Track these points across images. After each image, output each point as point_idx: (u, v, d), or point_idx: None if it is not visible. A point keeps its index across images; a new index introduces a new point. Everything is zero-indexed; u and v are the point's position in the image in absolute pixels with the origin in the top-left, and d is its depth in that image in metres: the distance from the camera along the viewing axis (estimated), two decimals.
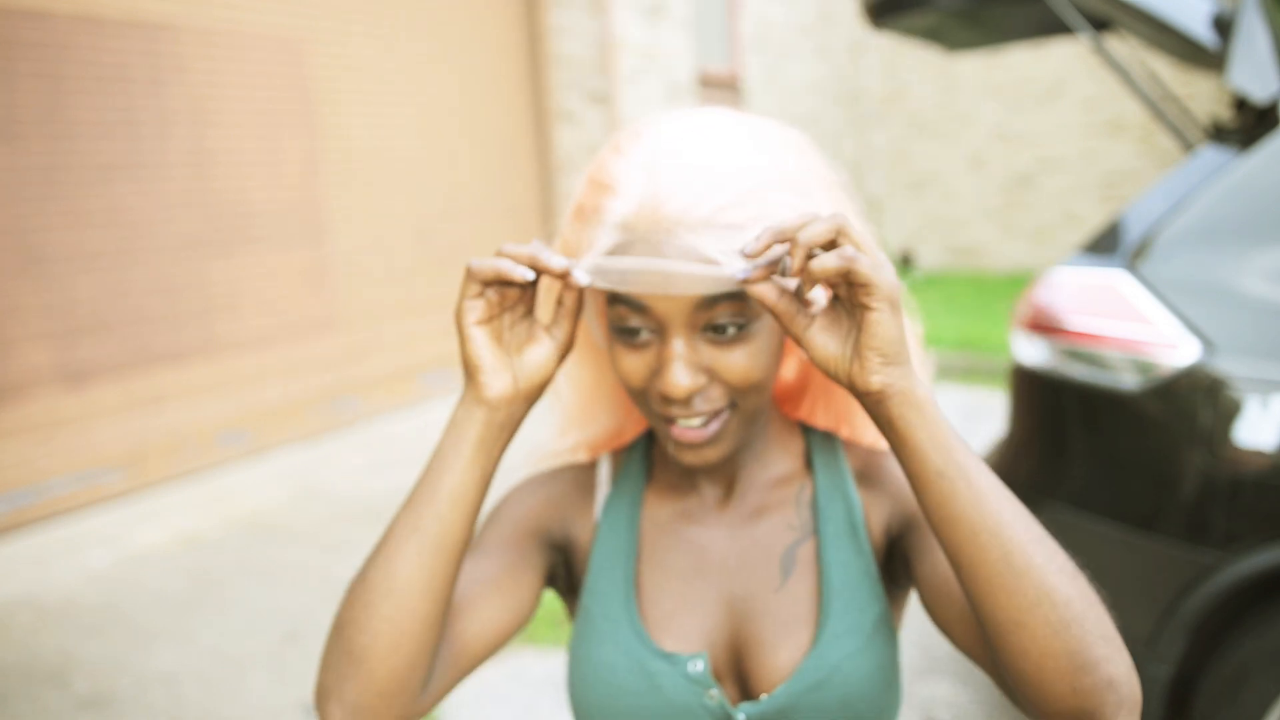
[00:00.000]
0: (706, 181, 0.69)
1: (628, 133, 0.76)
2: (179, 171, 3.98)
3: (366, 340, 4.90)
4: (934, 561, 0.77)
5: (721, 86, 7.51)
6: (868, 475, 0.86)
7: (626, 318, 0.72)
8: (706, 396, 0.73)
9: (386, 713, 0.69)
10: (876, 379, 0.64)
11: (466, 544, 0.72)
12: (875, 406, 0.65)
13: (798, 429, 0.89)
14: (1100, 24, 2.69)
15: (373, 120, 4.88)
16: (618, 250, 0.70)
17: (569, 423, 0.92)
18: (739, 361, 0.72)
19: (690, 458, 0.76)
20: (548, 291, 0.77)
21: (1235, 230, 1.83)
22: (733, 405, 0.74)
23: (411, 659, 0.69)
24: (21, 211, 3.47)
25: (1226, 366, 1.72)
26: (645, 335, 0.73)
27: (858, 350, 0.64)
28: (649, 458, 0.90)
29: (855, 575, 0.80)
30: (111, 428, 3.78)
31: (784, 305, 0.67)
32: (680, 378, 0.70)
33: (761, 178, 0.70)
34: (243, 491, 4.02)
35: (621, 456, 0.91)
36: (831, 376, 0.67)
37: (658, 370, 0.72)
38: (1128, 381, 1.83)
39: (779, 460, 0.86)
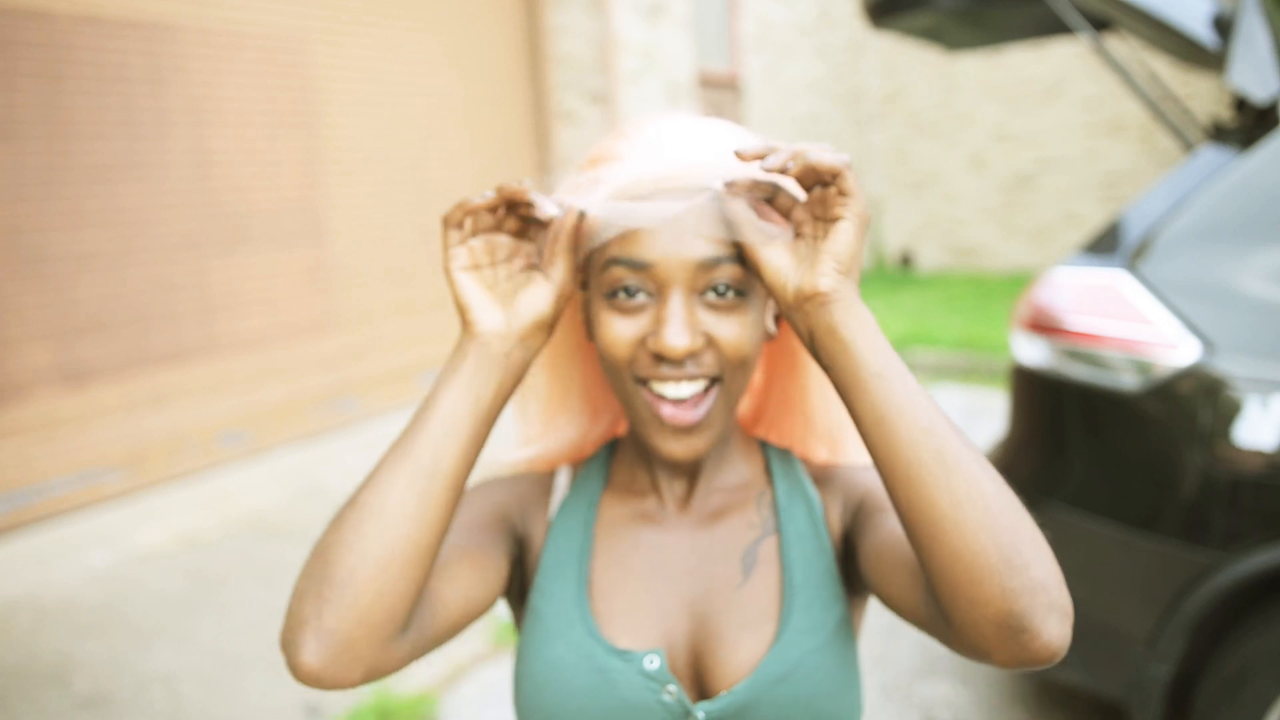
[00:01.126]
0: (707, 149, 0.72)
1: (627, 123, 0.79)
2: (178, 171, 3.98)
3: (366, 340, 4.90)
4: (878, 527, 0.78)
5: (721, 86, 7.51)
6: (822, 480, 0.88)
7: (624, 278, 0.73)
8: (699, 361, 0.74)
9: (364, 646, 0.65)
10: (826, 281, 0.67)
11: (459, 479, 0.70)
12: (818, 311, 0.68)
13: (756, 445, 0.91)
14: (1100, 24, 2.69)
15: (373, 120, 4.88)
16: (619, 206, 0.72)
17: (531, 434, 0.92)
18: (733, 330, 0.73)
19: (676, 447, 0.76)
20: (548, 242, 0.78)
21: (1235, 230, 1.83)
22: (719, 380, 0.75)
23: (396, 590, 0.66)
24: (21, 211, 3.47)
25: (1226, 366, 1.72)
26: (642, 298, 0.73)
27: (815, 258, 0.68)
28: (609, 464, 0.90)
29: (817, 573, 0.80)
30: (111, 428, 3.78)
31: (754, 218, 0.71)
32: (679, 334, 0.71)
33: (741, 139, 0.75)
34: (243, 491, 4.02)
35: (581, 466, 0.91)
36: (776, 290, 0.70)
37: (653, 330, 0.73)
38: (1128, 381, 1.83)
39: (740, 467, 0.87)
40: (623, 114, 5.95)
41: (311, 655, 0.63)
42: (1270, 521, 1.68)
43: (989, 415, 4.50)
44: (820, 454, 0.92)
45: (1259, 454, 1.68)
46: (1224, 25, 2.16)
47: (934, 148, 9.69)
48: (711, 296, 0.73)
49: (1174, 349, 1.78)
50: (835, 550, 0.83)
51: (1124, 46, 3.13)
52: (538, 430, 0.91)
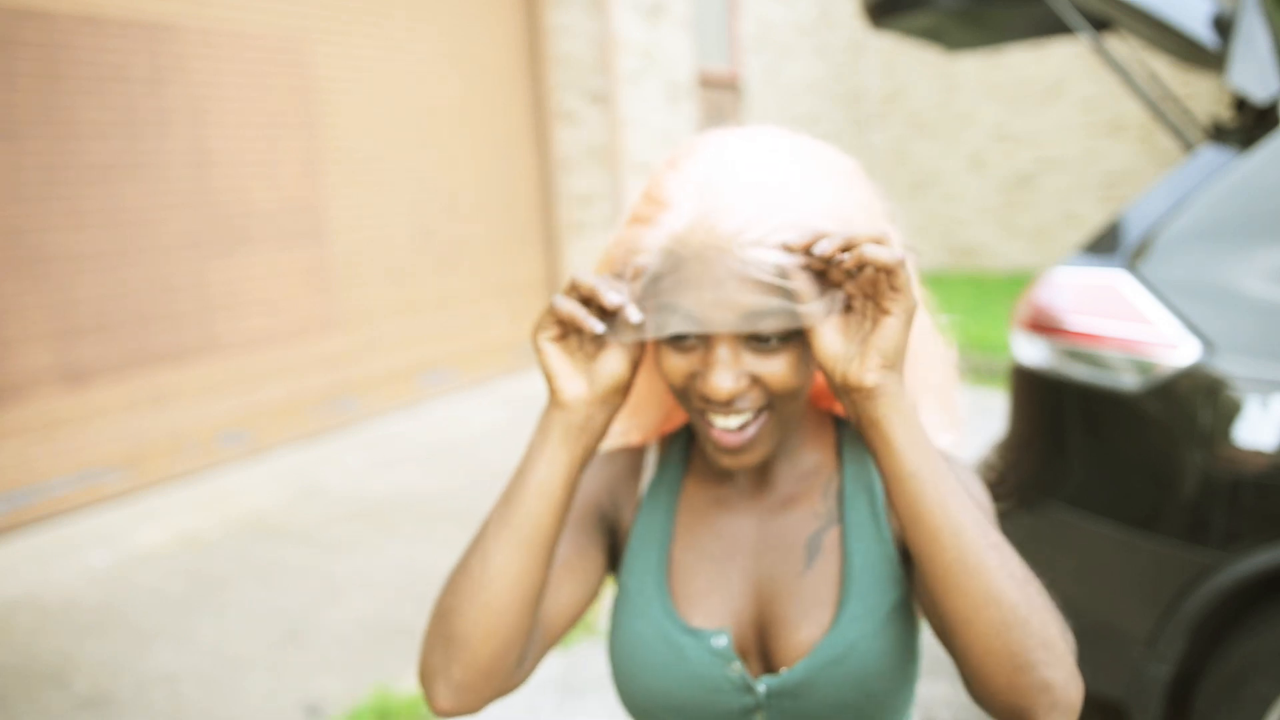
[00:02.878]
0: (761, 202, 0.72)
1: (684, 148, 0.80)
2: (179, 171, 3.98)
3: (366, 340, 4.90)
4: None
5: (721, 86, 7.51)
6: None
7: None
8: (745, 399, 0.77)
9: (486, 688, 0.77)
10: (873, 376, 0.71)
11: (555, 536, 0.78)
12: (864, 402, 0.72)
13: (829, 420, 0.94)
14: (1100, 24, 2.69)
15: (373, 120, 4.88)
16: (669, 268, 0.74)
17: (624, 412, 0.96)
18: (779, 369, 0.76)
19: (727, 461, 0.80)
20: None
21: (1235, 230, 1.83)
22: (770, 407, 0.78)
23: (508, 641, 0.76)
24: (21, 211, 3.47)
25: (1226, 366, 1.72)
26: (691, 340, 0.77)
27: (863, 348, 0.71)
28: (689, 447, 0.95)
29: (875, 561, 0.84)
30: (111, 428, 3.78)
31: (810, 300, 0.73)
32: (723, 383, 0.74)
33: (816, 204, 0.73)
34: (243, 491, 4.02)
35: (666, 444, 0.96)
36: (827, 371, 0.73)
37: (701, 373, 0.76)
38: (1128, 381, 1.83)
39: (810, 453, 0.91)
40: (623, 114, 5.95)
41: (445, 700, 0.77)
42: (1270, 521, 1.68)
43: (989, 415, 4.50)
44: None
45: (1259, 454, 1.68)
46: (1224, 25, 2.16)
47: (934, 148, 9.69)
48: (755, 343, 0.75)
49: (1174, 349, 1.78)
50: (895, 537, 0.86)
51: (1124, 46, 3.13)
52: (629, 410, 0.95)
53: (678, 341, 0.77)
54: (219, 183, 4.14)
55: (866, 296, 0.72)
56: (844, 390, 0.73)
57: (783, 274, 0.71)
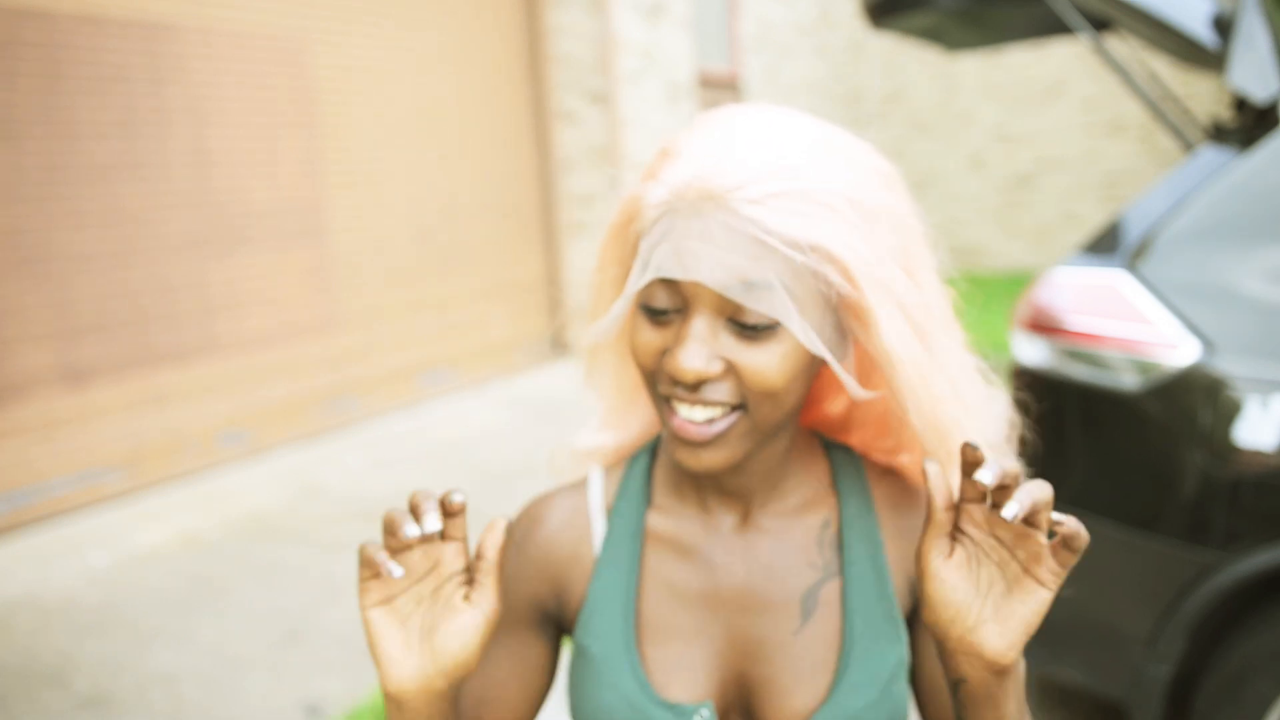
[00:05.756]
0: (766, 163, 0.64)
1: (699, 116, 0.73)
2: (179, 171, 3.98)
3: (366, 340, 4.90)
4: (929, 656, 0.78)
5: (721, 86, 7.51)
6: (896, 513, 0.81)
7: (654, 294, 0.68)
8: (716, 387, 0.67)
9: None
10: (1013, 655, 0.61)
11: None
12: (989, 675, 0.63)
13: (818, 445, 0.82)
14: (1100, 24, 2.69)
15: (373, 120, 4.88)
16: (665, 212, 0.66)
17: (609, 417, 0.86)
18: (760, 360, 0.66)
19: (689, 460, 0.70)
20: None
21: (1235, 230, 1.83)
22: (742, 407, 0.68)
23: None
24: (21, 211, 3.47)
25: (1226, 366, 1.72)
26: (670, 314, 0.68)
27: (1003, 614, 0.61)
28: (649, 479, 0.82)
29: (878, 620, 0.76)
30: (111, 428, 3.78)
31: (943, 516, 0.63)
32: (691, 358, 0.65)
33: (829, 181, 0.65)
34: (243, 491, 4.02)
35: (620, 475, 0.83)
36: (941, 619, 0.63)
37: (672, 350, 0.67)
38: (1128, 381, 1.83)
39: (800, 487, 0.79)
40: (623, 114, 5.95)
41: None
42: (1270, 521, 1.68)
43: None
44: (905, 459, 0.82)
45: (1259, 454, 1.68)
46: (1224, 25, 2.16)
47: (934, 148, 9.69)
48: (738, 327, 0.66)
49: (1174, 349, 1.78)
50: (899, 595, 0.78)
51: (1124, 46, 3.13)
52: (615, 414, 0.86)
53: (654, 314, 0.68)
54: (219, 183, 4.14)
55: (1007, 547, 0.61)
56: (959, 650, 0.63)
57: (787, 243, 0.63)
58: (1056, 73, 8.83)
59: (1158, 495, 1.81)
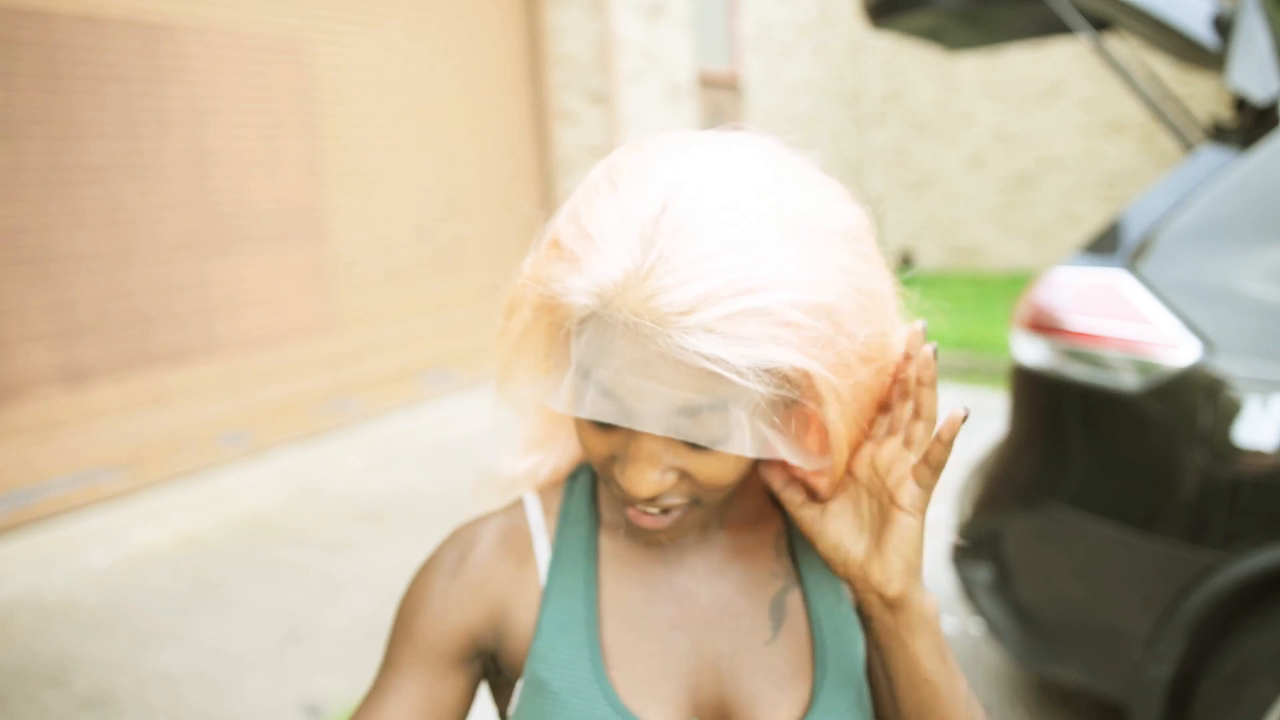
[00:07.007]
0: (717, 276, 0.53)
1: (628, 161, 0.60)
2: (179, 171, 3.98)
3: (366, 340, 4.90)
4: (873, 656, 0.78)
5: (721, 86, 7.51)
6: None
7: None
8: (670, 494, 0.64)
9: None
10: (896, 585, 0.64)
11: None
12: (884, 610, 0.65)
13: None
14: (1100, 24, 2.69)
15: (373, 120, 4.88)
16: (593, 328, 0.58)
17: (533, 440, 0.81)
18: (713, 467, 0.62)
19: (643, 537, 0.69)
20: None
21: (1235, 230, 1.83)
22: (697, 502, 0.66)
23: None
24: (21, 211, 3.47)
25: (1226, 366, 1.72)
26: (615, 426, 0.63)
27: (880, 549, 0.64)
28: (594, 497, 0.78)
29: (840, 621, 0.75)
30: (111, 428, 3.78)
31: (790, 493, 0.66)
32: (643, 486, 0.61)
33: (785, 281, 0.54)
34: (243, 491, 4.02)
35: (558, 496, 0.79)
36: (837, 567, 0.66)
37: (621, 461, 0.63)
38: (1128, 381, 1.83)
39: (751, 496, 0.78)
40: (623, 114, 5.95)
41: None
42: (1270, 521, 1.68)
43: (989, 415, 4.49)
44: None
45: (1259, 454, 1.68)
46: (1224, 25, 2.16)
47: (934, 147, 9.69)
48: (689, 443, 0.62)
49: (1174, 349, 1.78)
50: (849, 594, 0.78)
51: (1124, 46, 3.13)
52: (542, 436, 0.80)
53: (598, 424, 0.63)
54: (219, 183, 4.14)
55: (871, 494, 0.65)
56: (857, 589, 0.66)
57: (732, 370, 0.54)
58: (1056, 73, 8.83)
59: (1158, 495, 1.81)
